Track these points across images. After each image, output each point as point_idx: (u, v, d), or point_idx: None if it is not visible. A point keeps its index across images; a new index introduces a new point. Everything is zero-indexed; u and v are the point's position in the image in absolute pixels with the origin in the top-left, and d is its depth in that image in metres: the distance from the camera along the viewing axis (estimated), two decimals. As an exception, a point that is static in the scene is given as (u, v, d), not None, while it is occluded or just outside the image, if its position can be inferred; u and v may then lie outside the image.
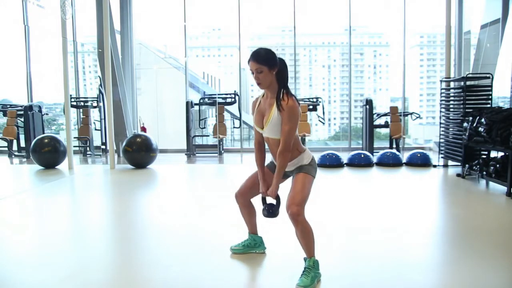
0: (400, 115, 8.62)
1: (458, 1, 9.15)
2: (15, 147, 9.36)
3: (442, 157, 6.65)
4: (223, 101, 9.39)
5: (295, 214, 2.22)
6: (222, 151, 9.22)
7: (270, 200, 2.44)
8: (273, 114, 2.30)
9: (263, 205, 2.45)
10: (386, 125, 8.72)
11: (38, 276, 2.50)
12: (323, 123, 9.45)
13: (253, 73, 2.31)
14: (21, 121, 9.23)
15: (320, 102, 9.24)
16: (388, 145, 8.68)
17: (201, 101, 9.42)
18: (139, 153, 6.95)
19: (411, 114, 9.11)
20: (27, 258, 2.84)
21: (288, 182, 2.49)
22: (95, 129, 9.47)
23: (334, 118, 14.77)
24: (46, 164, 6.98)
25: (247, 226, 2.77)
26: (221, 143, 9.15)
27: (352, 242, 3.07)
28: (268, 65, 2.27)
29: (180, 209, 4.26)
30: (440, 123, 6.66)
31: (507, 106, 7.43)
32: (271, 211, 2.39)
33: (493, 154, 5.52)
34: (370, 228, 3.42)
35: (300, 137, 2.40)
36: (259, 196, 2.55)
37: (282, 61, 2.33)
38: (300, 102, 9.27)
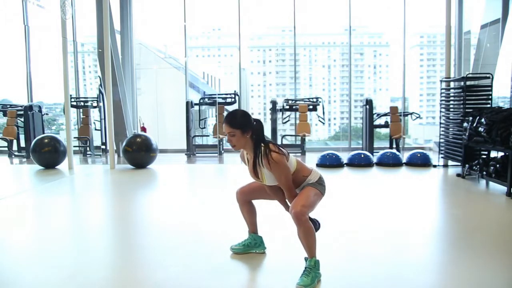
0: (400, 115, 8.62)
1: (458, 1, 9.15)
2: (15, 147, 9.36)
3: (442, 157, 6.65)
4: (223, 101, 9.39)
5: (299, 214, 2.23)
6: (222, 151, 9.22)
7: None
8: (264, 170, 2.35)
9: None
10: (386, 125, 8.72)
11: (39, 276, 2.50)
12: (323, 123, 9.45)
13: (227, 135, 2.35)
14: (21, 121, 9.23)
15: (320, 102, 9.24)
16: (388, 145, 8.68)
17: (201, 101, 9.42)
18: (139, 153, 6.95)
19: (411, 114, 9.11)
20: (27, 258, 2.84)
21: None
22: (95, 129, 9.47)
23: (334, 118, 14.76)
24: (46, 164, 6.98)
25: (247, 225, 2.77)
26: (221, 143, 9.15)
27: (352, 242, 3.06)
28: (241, 129, 2.30)
29: (180, 209, 4.26)
30: (440, 123, 6.66)
31: (507, 106, 7.43)
32: (317, 224, 2.43)
33: (493, 154, 5.52)
34: (370, 228, 3.42)
35: (299, 164, 2.44)
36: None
37: (258, 122, 2.37)
38: (300, 102, 9.32)
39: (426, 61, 14.44)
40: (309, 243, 2.30)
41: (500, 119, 4.73)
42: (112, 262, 2.84)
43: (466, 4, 9.21)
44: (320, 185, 2.43)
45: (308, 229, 2.26)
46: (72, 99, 9.28)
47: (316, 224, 2.41)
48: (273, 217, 3.44)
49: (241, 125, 2.31)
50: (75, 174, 6.52)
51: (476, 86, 6.16)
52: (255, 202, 2.73)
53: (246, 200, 2.68)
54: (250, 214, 2.73)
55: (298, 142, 9.21)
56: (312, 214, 2.38)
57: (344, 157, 7.00)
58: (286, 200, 2.45)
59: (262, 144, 2.33)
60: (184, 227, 3.56)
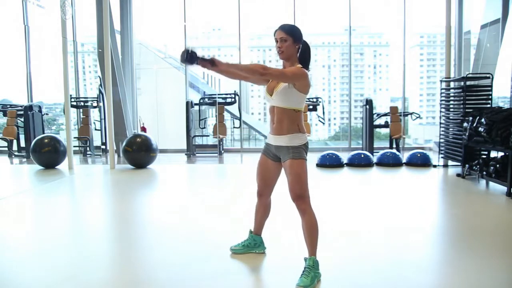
0: (400, 115, 8.62)
1: (458, 1, 9.15)
2: (15, 147, 9.36)
3: (442, 157, 6.65)
4: (223, 101, 9.39)
5: (301, 202, 2.29)
6: (222, 151, 9.22)
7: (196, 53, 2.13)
8: (284, 83, 2.32)
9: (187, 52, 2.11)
10: (386, 125, 8.72)
11: (38, 276, 2.50)
12: (323, 123, 9.45)
13: (277, 42, 2.37)
14: (21, 121, 9.23)
15: (320, 102, 9.24)
16: (388, 145, 8.68)
17: (201, 101, 9.42)
18: (139, 153, 6.95)
19: (411, 114, 9.10)
20: (27, 258, 2.83)
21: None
22: (95, 129, 9.47)
23: (334, 118, 14.77)
24: (46, 164, 6.98)
25: (254, 225, 2.76)
26: (221, 143, 9.15)
27: (352, 242, 3.06)
28: (294, 37, 2.36)
29: (180, 209, 4.26)
30: (440, 123, 6.66)
31: (507, 106, 7.43)
32: (187, 57, 2.08)
33: (493, 154, 5.52)
34: (370, 228, 3.42)
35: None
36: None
37: (306, 43, 2.43)
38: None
39: (426, 61, 14.45)
40: (311, 238, 2.31)
41: (500, 119, 4.73)
42: (112, 262, 2.84)
43: (466, 4, 9.20)
44: (303, 150, 2.36)
45: (312, 221, 2.30)
46: (72, 99, 9.28)
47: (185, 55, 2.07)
48: (273, 217, 3.44)
49: (293, 32, 2.36)
50: (75, 174, 6.52)
51: (476, 86, 6.16)
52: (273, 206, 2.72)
53: (266, 201, 2.65)
54: (262, 216, 2.71)
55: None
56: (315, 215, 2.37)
57: (344, 157, 6.99)
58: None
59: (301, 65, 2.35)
60: (184, 227, 3.56)
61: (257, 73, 2.19)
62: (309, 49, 2.43)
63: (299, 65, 2.37)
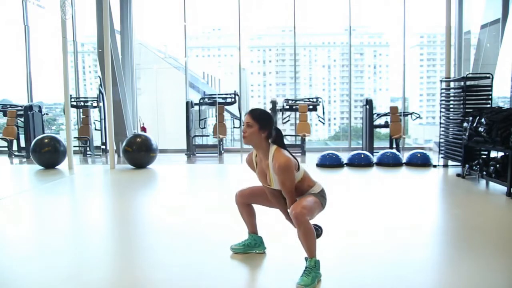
0: (400, 115, 8.62)
1: (458, 1, 9.15)
2: (15, 147, 9.36)
3: (442, 157, 6.65)
4: (223, 101, 9.39)
5: (299, 214, 2.22)
6: (222, 151, 9.22)
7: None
8: (272, 173, 2.36)
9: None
10: (386, 125, 8.72)
11: (38, 276, 2.50)
12: (323, 123, 9.45)
13: (244, 125, 2.36)
14: (21, 121, 9.23)
15: (320, 102, 9.24)
16: (388, 145, 8.68)
17: (201, 101, 9.42)
18: (139, 153, 6.95)
19: (411, 114, 9.11)
20: (27, 258, 2.83)
21: None
22: (95, 129, 9.47)
23: (334, 118, 14.77)
24: (46, 164, 6.98)
25: (247, 226, 2.77)
26: (221, 143, 9.15)
27: (352, 242, 3.06)
28: (260, 124, 2.31)
29: (180, 209, 4.26)
30: (440, 123, 6.66)
31: (507, 106, 7.43)
32: (319, 230, 2.44)
33: (493, 154, 5.52)
34: (370, 228, 3.42)
35: (299, 167, 2.41)
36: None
37: (278, 130, 2.40)
38: (300, 102, 9.32)
39: (426, 61, 14.44)
40: (308, 243, 2.29)
41: (500, 119, 4.73)
42: (112, 262, 2.84)
43: (466, 4, 9.21)
44: (321, 196, 2.43)
45: (307, 230, 2.26)
46: (72, 99, 9.28)
47: (318, 231, 2.41)
48: (273, 217, 3.44)
49: (261, 121, 2.32)
50: (75, 174, 6.52)
51: (476, 86, 6.15)
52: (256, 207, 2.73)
53: (245, 203, 2.68)
54: (249, 216, 2.73)
55: (298, 142, 9.21)
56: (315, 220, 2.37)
57: (344, 157, 6.99)
58: (287, 208, 2.42)
59: (275, 146, 2.34)
60: (184, 227, 3.56)
61: (294, 199, 2.35)
62: (279, 134, 2.38)
63: (274, 147, 2.33)
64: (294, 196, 2.35)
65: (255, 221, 2.76)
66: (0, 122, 10.63)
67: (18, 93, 10.73)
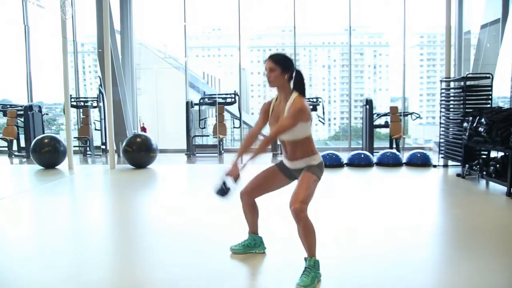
0: (400, 115, 8.62)
1: (458, 1, 9.15)
2: (15, 147, 9.36)
3: (442, 157, 6.65)
4: (223, 101, 9.39)
5: (298, 211, 2.23)
6: (222, 151, 9.22)
7: (229, 182, 2.45)
8: (287, 113, 2.37)
9: (221, 182, 2.46)
10: (386, 125, 8.71)
11: (39, 276, 2.50)
12: (323, 123, 9.44)
13: (266, 70, 2.41)
14: (21, 121, 9.22)
15: (320, 102, 9.23)
16: (388, 145, 8.67)
17: (201, 101, 9.42)
18: (139, 153, 6.95)
19: (411, 114, 9.10)
20: (27, 258, 2.83)
21: (291, 184, 2.51)
22: (95, 129, 9.47)
23: (334, 118, 14.76)
24: (46, 164, 6.97)
25: (248, 226, 2.76)
26: (221, 143, 9.14)
27: (352, 242, 3.06)
28: (282, 66, 2.37)
29: (180, 209, 4.26)
30: (440, 123, 6.66)
31: (507, 106, 7.43)
32: (224, 193, 2.43)
33: (493, 154, 5.52)
34: (370, 228, 3.42)
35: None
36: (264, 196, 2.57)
37: (299, 72, 2.45)
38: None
39: (426, 61, 14.44)
40: (308, 241, 2.30)
41: (500, 119, 4.73)
42: (112, 262, 2.84)
43: (466, 4, 9.20)
44: (319, 169, 2.45)
45: (307, 226, 2.27)
46: (72, 99, 9.28)
47: (223, 190, 2.43)
48: (273, 217, 3.44)
49: (282, 64, 2.38)
50: (75, 174, 6.52)
51: (476, 86, 6.16)
52: (259, 203, 2.72)
53: (250, 200, 2.67)
54: (252, 214, 2.72)
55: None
56: (312, 213, 2.37)
57: (344, 157, 6.99)
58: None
59: (298, 93, 2.39)
60: (184, 227, 3.56)
61: (274, 140, 2.44)
62: (302, 78, 2.45)
63: (296, 94, 2.39)
64: (278, 133, 2.36)
65: (257, 221, 2.75)
66: (0, 122, 10.63)
67: (18, 93, 10.74)
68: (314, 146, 2.47)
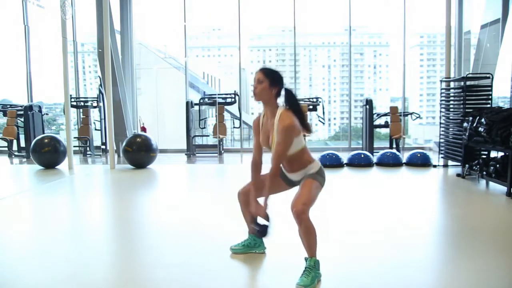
0: (400, 115, 8.62)
1: (458, 1, 9.15)
2: (15, 147, 9.36)
3: (442, 157, 6.65)
4: (223, 101, 9.39)
5: (300, 212, 2.23)
6: (222, 151, 9.22)
7: (261, 220, 2.47)
8: (276, 134, 2.35)
9: (255, 226, 2.50)
10: (386, 125, 8.72)
11: (38, 276, 2.50)
12: (323, 123, 9.44)
13: (254, 82, 2.37)
14: (21, 121, 9.23)
15: (320, 102, 9.23)
16: (388, 145, 8.67)
17: (201, 101, 9.42)
18: (139, 153, 6.95)
19: (411, 114, 9.11)
20: (27, 258, 2.83)
21: (294, 189, 2.52)
22: (95, 129, 9.47)
23: (334, 118, 14.76)
24: (46, 164, 6.97)
25: (247, 226, 2.77)
26: (221, 143, 9.14)
27: (352, 242, 3.06)
28: (271, 81, 2.34)
29: (180, 209, 4.26)
30: (440, 123, 6.66)
31: (507, 106, 7.43)
32: (264, 232, 2.46)
33: (493, 154, 5.52)
34: (370, 228, 3.42)
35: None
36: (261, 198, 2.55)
37: (289, 90, 2.41)
38: (300, 102, 9.30)
39: (426, 61, 14.44)
40: (309, 242, 2.30)
41: (500, 119, 4.73)
42: (112, 262, 2.84)
43: (466, 4, 9.20)
44: (320, 176, 2.44)
45: (308, 227, 2.27)
46: (72, 99, 9.28)
47: (264, 229, 2.46)
48: (273, 217, 3.43)
49: (272, 77, 2.34)
50: (75, 174, 6.52)
51: (476, 86, 6.16)
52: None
53: (247, 199, 2.68)
54: (250, 214, 2.72)
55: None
56: (312, 213, 2.37)
57: (344, 157, 6.99)
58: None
59: (284, 108, 2.35)
60: (184, 227, 3.56)
61: (278, 170, 2.41)
62: (294, 95, 2.41)
63: (282, 108, 2.35)
64: (279, 161, 2.35)
65: (257, 222, 2.75)
66: (0, 122, 10.63)
67: (18, 93, 10.74)
68: (310, 155, 2.45)
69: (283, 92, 2.40)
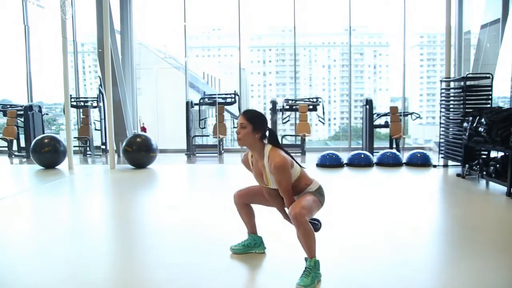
0: (400, 115, 8.62)
1: (458, 1, 9.15)
2: (15, 147, 9.36)
3: (442, 157, 6.65)
4: (223, 101, 9.39)
5: (298, 215, 2.22)
6: (222, 151, 9.22)
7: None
8: (269, 173, 2.37)
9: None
10: (386, 125, 8.72)
11: (38, 276, 2.50)
12: (323, 123, 9.45)
13: (237, 126, 2.37)
14: (21, 121, 9.23)
15: (320, 102, 9.24)
16: (388, 145, 8.67)
17: (201, 101, 9.42)
18: (139, 153, 6.95)
19: (411, 114, 9.10)
20: (27, 258, 2.83)
21: None
22: (95, 129, 9.47)
23: (334, 118, 14.76)
24: (46, 164, 6.98)
25: (246, 227, 2.77)
26: (221, 143, 9.14)
27: (352, 242, 3.06)
28: (254, 125, 2.32)
29: (180, 209, 4.26)
30: (440, 123, 6.66)
31: (507, 106, 7.43)
32: (318, 224, 2.43)
33: (493, 154, 5.52)
34: (370, 228, 3.42)
35: (298, 167, 2.44)
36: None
37: (272, 131, 2.41)
38: (300, 102, 9.32)
39: (426, 61, 14.43)
40: (308, 244, 2.29)
41: (500, 119, 4.73)
42: (112, 262, 2.84)
43: (466, 4, 9.20)
44: (319, 194, 2.43)
45: (307, 230, 2.26)
46: (72, 99, 9.28)
47: (317, 225, 2.41)
48: (273, 217, 3.43)
49: (255, 122, 2.32)
50: (75, 174, 6.52)
51: (476, 86, 6.16)
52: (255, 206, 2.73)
53: (244, 203, 2.68)
54: (248, 216, 2.73)
55: (298, 142, 9.21)
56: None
57: (344, 157, 6.99)
58: (285, 207, 2.44)
59: (270, 146, 2.35)
60: (184, 227, 3.56)
61: (293, 200, 2.34)
62: (273, 134, 2.40)
63: (269, 147, 2.34)
64: (291, 195, 2.35)
65: (254, 221, 2.76)
66: (0, 122, 10.63)
67: (18, 93, 10.74)
68: (308, 178, 2.45)
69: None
